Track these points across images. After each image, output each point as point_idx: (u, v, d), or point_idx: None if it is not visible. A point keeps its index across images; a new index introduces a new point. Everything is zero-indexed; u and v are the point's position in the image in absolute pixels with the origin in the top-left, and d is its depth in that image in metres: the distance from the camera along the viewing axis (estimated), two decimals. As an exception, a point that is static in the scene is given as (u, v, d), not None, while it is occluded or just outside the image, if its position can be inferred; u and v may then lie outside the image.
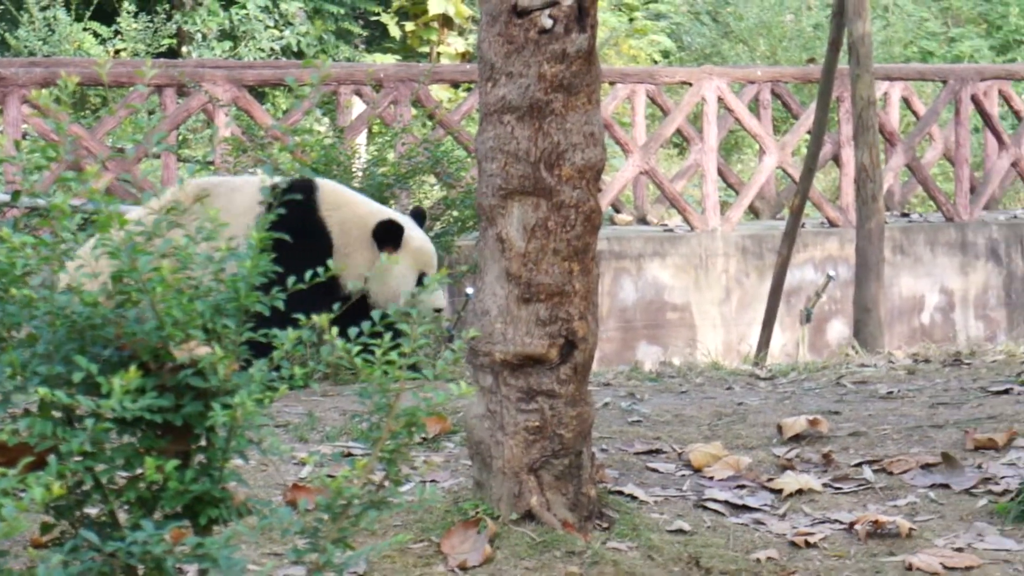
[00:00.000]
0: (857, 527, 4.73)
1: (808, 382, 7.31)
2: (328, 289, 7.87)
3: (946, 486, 5.17)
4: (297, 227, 7.68)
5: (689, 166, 14.85)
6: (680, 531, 4.62)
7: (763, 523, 4.80)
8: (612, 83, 14.83)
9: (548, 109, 4.42)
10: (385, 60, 20.70)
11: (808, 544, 4.62)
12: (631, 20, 22.25)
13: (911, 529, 4.71)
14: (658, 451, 5.51)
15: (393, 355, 3.32)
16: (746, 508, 4.92)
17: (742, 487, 5.11)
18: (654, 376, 7.67)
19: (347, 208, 7.79)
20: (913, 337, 14.34)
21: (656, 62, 21.43)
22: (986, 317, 15.15)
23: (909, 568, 4.44)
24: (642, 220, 15.27)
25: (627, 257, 13.66)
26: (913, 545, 4.63)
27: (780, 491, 5.06)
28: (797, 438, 5.68)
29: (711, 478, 5.20)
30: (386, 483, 3.37)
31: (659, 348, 13.62)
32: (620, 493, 4.88)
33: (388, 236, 7.70)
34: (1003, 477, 5.20)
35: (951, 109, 15.89)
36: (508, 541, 4.35)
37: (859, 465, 5.37)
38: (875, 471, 5.31)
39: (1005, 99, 16.86)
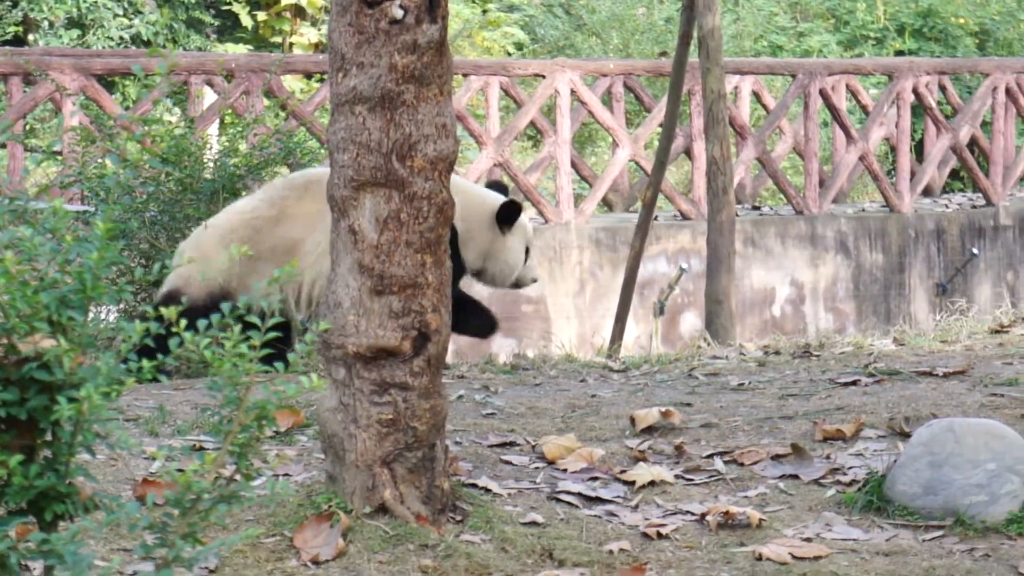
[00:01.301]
0: (708, 518, 4.76)
1: (661, 374, 7.35)
2: (458, 270, 8.16)
3: (795, 477, 5.22)
4: None
5: (543, 158, 14.89)
6: (533, 523, 4.62)
7: (616, 515, 4.81)
8: (465, 75, 14.81)
9: (400, 100, 4.40)
10: (237, 50, 20.51)
11: (660, 535, 4.64)
12: (484, 12, 22.26)
13: (761, 519, 4.75)
14: (512, 444, 5.51)
15: (243, 348, 3.28)
16: (599, 500, 4.94)
17: (595, 479, 5.13)
18: (508, 369, 7.67)
19: (462, 196, 7.83)
20: (764, 329, 14.50)
21: (510, 54, 21.45)
22: (835, 309, 15.36)
23: (759, 558, 4.48)
24: (496, 212, 15.28)
25: (481, 249, 13.65)
26: (763, 535, 4.67)
27: (633, 483, 5.09)
28: (650, 430, 5.70)
29: (564, 470, 5.21)
30: (237, 477, 3.33)
31: (514, 341, 13.64)
32: (474, 486, 4.87)
33: (510, 216, 8.14)
34: (851, 467, 5.27)
35: (800, 103, 16.08)
36: (361, 535, 4.32)
37: (711, 456, 5.41)
38: (726, 462, 5.35)
39: (853, 93, 17.10)
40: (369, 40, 4.39)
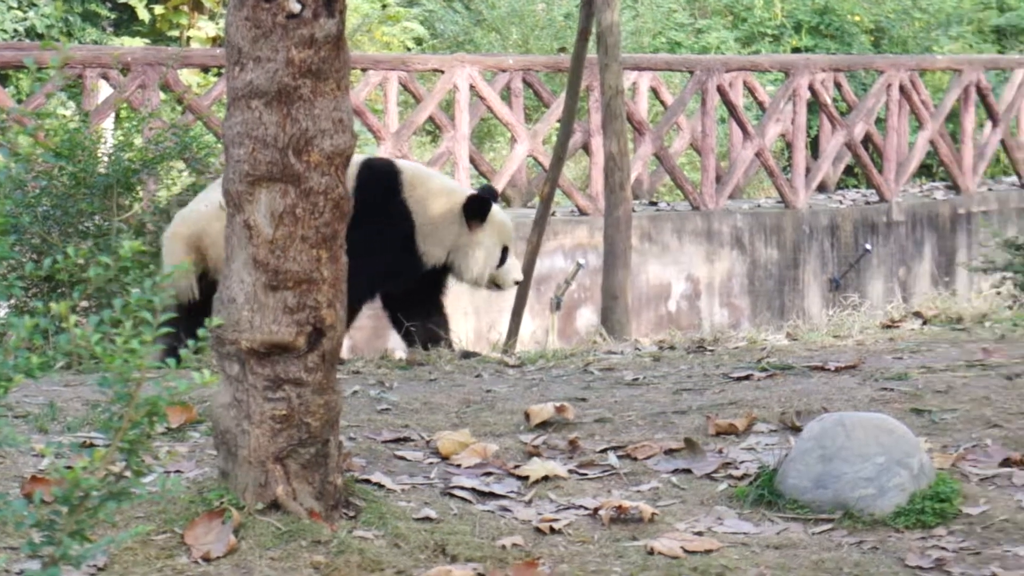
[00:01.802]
0: (601, 512, 4.79)
1: (556, 369, 7.38)
2: (413, 264, 8.11)
3: (688, 471, 5.26)
4: (381, 209, 7.95)
5: (441, 153, 14.89)
6: (427, 519, 4.63)
7: (509, 510, 4.83)
8: (364, 69, 14.78)
9: (296, 95, 4.38)
10: (133, 43, 20.33)
11: (553, 530, 4.66)
12: (384, 7, 22.21)
13: (653, 514, 4.78)
14: (406, 439, 5.52)
15: (134, 343, 3.26)
16: (493, 495, 4.95)
17: (489, 474, 5.14)
18: (404, 364, 7.67)
19: (424, 188, 8.16)
20: (660, 324, 14.58)
21: (409, 49, 21.42)
22: (730, 304, 15.47)
23: (651, 552, 4.51)
24: (394, 207, 15.25)
25: (379, 244, 13.62)
26: (655, 529, 4.70)
27: (526, 478, 5.10)
28: (544, 425, 5.73)
29: (458, 466, 5.21)
30: (127, 474, 3.32)
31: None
32: (367, 482, 4.87)
33: (477, 211, 8.16)
34: (743, 462, 5.32)
35: (698, 99, 16.18)
36: (253, 531, 4.31)
37: (604, 451, 5.44)
38: (620, 457, 5.38)
39: (750, 90, 17.24)
40: (266, 34, 4.37)
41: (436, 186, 8.29)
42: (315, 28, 4.38)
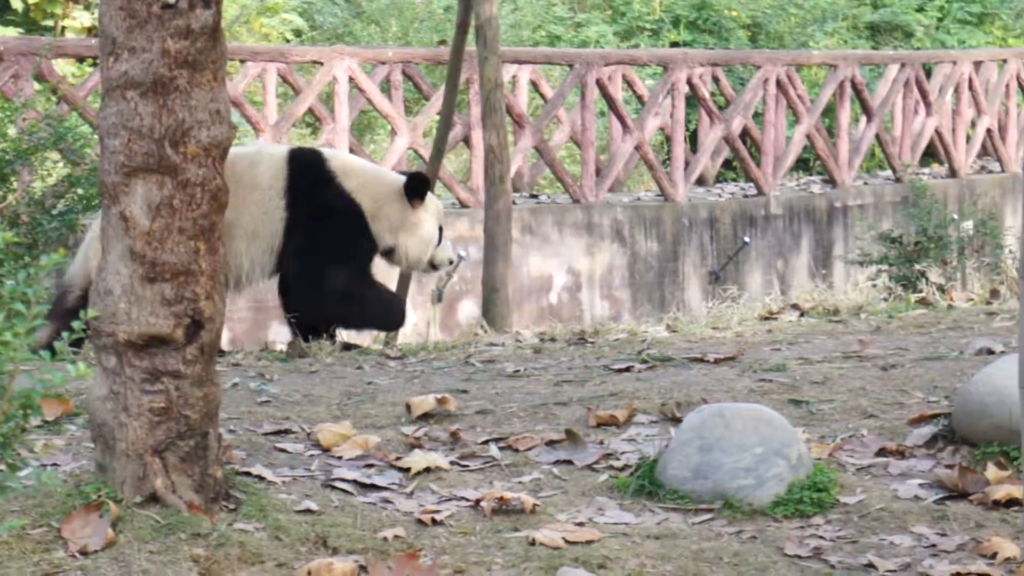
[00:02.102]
0: (483, 504, 4.79)
1: (437, 361, 7.37)
2: (370, 247, 8.21)
3: (569, 462, 5.27)
4: (326, 201, 7.95)
5: (321, 145, 14.80)
6: (308, 511, 4.61)
7: (391, 501, 4.81)
8: (243, 61, 14.68)
9: (172, 86, 4.34)
10: (7, 33, 20.04)
11: (435, 521, 4.66)
12: (263, -2, 22.05)
13: (535, 505, 4.79)
14: (287, 431, 5.49)
15: (7, 335, 3.21)
16: (374, 487, 4.93)
17: (370, 466, 5.12)
18: (284, 356, 7.63)
19: (358, 173, 8.28)
20: (541, 316, 14.61)
21: (288, 41, 21.29)
22: (611, 296, 15.54)
23: (532, 543, 4.52)
24: (273, 199, 15.15)
25: (258, 237, 13.53)
26: (537, 520, 4.71)
27: (408, 469, 5.09)
28: (425, 417, 5.72)
29: (340, 457, 5.20)
30: (1, 467, 3.27)
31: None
32: (248, 474, 4.84)
33: (418, 188, 8.27)
34: (623, 453, 5.34)
35: (578, 93, 16.23)
36: (132, 524, 4.27)
37: (486, 442, 5.44)
38: (501, 448, 5.39)
39: (629, 84, 17.31)
40: (141, 24, 4.33)
41: (369, 170, 8.41)
42: (191, 19, 4.34)
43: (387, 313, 8.24)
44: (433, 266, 8.49)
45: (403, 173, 8.71)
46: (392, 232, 8.25)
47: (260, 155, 8.32)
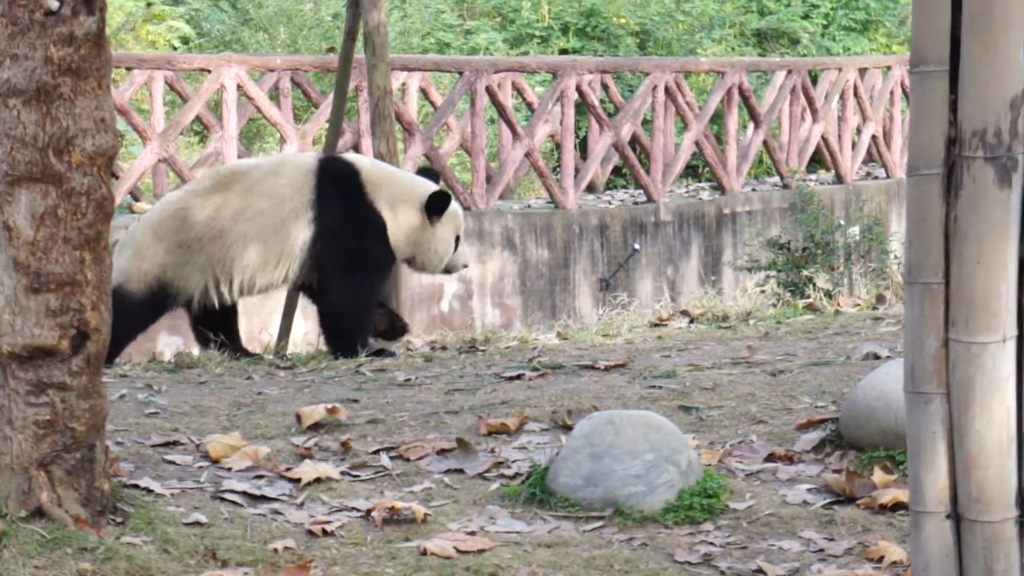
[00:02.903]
0: (374, 514, 4.77)
1: (328, 371, 7.34)
2: (388, 260, 8.34)
3: (460, 471, 5.26)
4: (354, 214, 7.94)
5: (209, 154, 14.72)
6: (197, 523, 4.56)
7: (281, 513, 4.78)
8: (129, 68, 14.55)
9: (56, 93, 4.29)
10: None
11: (325, 532, 4.63)
12: (149, 5, 21.86)
13: (426, 514, 4.78)
14: (175, 443, 5.43)
15: None
16: (264, 498, 4.90)
17: (260, 477, 5.09)
18: (172, 367, 7.56)
19: (390, 186, 8.34)
20: (432, 325, 14.59)
21: (175, 48, 21.14)
22: (502, 304, 15.55)
23: (424, 553, 4.50)
24: (161, 208, 15.03)
25: (146, 246, 13.40)
26: (428, 530, 4.69)
27: (298, 480, 5.06)
28: (316, 427, 5.69)
29: (229, 469, 5.15)
30: None
31: (180, 338, 13.43)
32: (136, 487, 4.79)
33: (439, 206, 8.36)
34: (514, 461, 5.34)
35: (467, 100, 16.23)
36: (16, 539, 4.20)
37: (377, 452, 5.42)
38: (392, 458, 5.37)
39: (518, 91, 17.34)
40: (23, 31, 4.27)
41: (398, 182, 8.44)
42: (75, 26, 4.29)
43: (357, 345, 8.17)
44: (447, 271, 8.60)
45: (425, 173, 8.91)
46: (410, 244, 8.37)
47: (283, 164, 8.40)
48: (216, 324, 8.37)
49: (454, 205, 8.51)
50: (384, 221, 8.26)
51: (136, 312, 8.15)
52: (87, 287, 4.36)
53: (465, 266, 8.73)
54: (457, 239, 8.51)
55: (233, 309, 8.51)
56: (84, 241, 4.35)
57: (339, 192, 8.21)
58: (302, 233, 8.11)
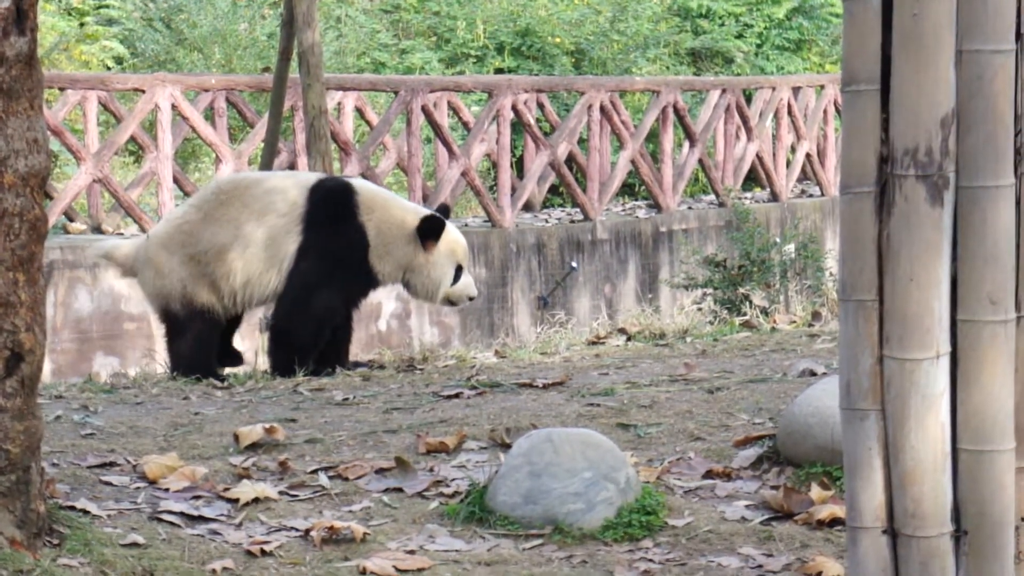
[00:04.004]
0: (313, 533, 4.76)
1: (266, 390, 7.32)
2: (364, 286, 8.27)
3: (399, 490, 5.26)
4: (339, 230, 7.89)
5: (144, 174, 14.67)
6: (135, 544, 4.53)
7: (219, 533, 4.76)
8: (62, 89, 14.49)
9: (-11, 114, 4.26)
10: None
11: (264, 552, 4.61)
12: (82, 25, 21.77)
13: (365, 533, 4.77)
14: (112, 464, 5.40)
15: None
16: (202, 519, 4.87)
17: (198, 497, 5.06)
18: (109, 388, 7.52)
19: (382, 210, 8.28)
20: (370, 343, 14.57)
21: (109, 68, 21.04)
22: (440, 323, 15.54)
23: (363, 572, 4.49)
24: (97, 229, 14.97)
25: (82, 267, 13.35)
26: (367, 549, 4.68)
27: (237, 500, 5.04)
28: (254, 446, 5.67)
29: (167, 489, 5.13)
30: None
31: (116, 359, 13.37)
32: (72, 508, 4.75)
33: (431, 231, 8.26)
34: (453, 479, 5.34)
35: (403, 119, 16.23)
36: (-49, 563, 4.17)
37: (315, 472, 5.41)
38: (331, 477, 5.36)
39: (454, 110, 17.36)
40: (-45, 51, 4.24)
41: (392, 207, 8.36)
42: (5, 46, 4.26)
43: (299, 359, 8.12)
44: (450, 302, 8.49)
45: (440, 210, 8.71)
46: (400, 268, 8.31)
47: (284, 182, 8.40)
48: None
49: (455, 235, 8.46)
50: (367, 242, 8.20)
51: (197, 330, 8.28)
52: (21, 308, 4.33)
53: (471, 298, 8.57)
54: (459, 270, 8.42)
55: (235, 322, 8.55)
56: (17, 262, 4.32)
57: (329, 209, 8.22)
58: (290, 247, 8.15)
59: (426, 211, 8.45)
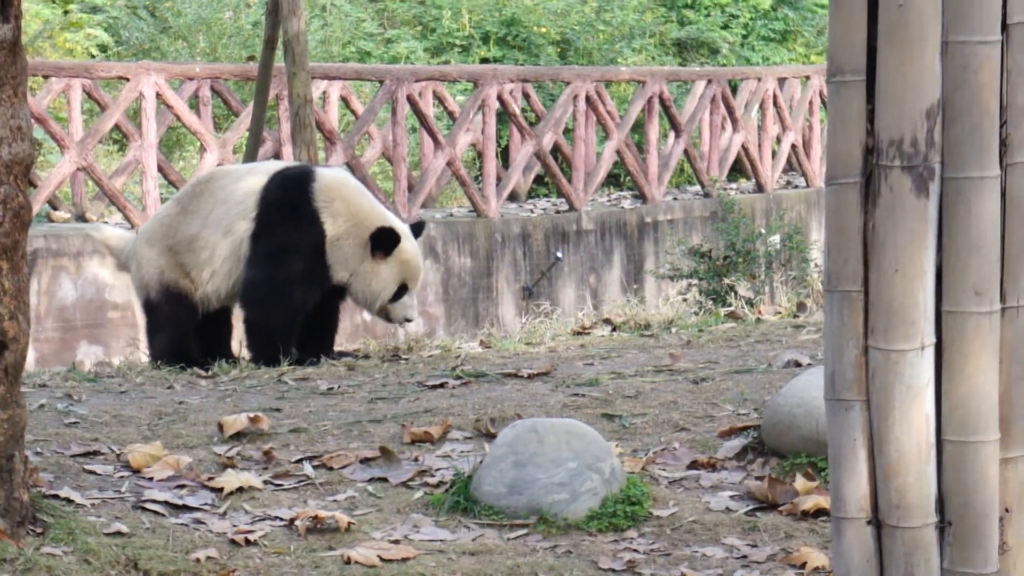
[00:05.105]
0: (297, 523, 4.76)
1: (250, 380, 7.31)
2: (320, 276, 8.10)
3: (384, 479, 5.26)
4: (292, 216, 7.84)
5: (129, 162, 14.63)
6: (118, 533, 4.53)
7: (203, 522, 4.76)
8: (46, 76, 14.44)
9: (-27, 101, 4.25)
10: None
11: (248, 542, 4.61)
12: (66, 13, 21.70)
13: (350, 523, 4.77)
14: (96, 453, 5.39)
15: None
16: (186, 508, 4.87)
17: (182, 487, 5.06)
18: (93, 376, 7.50)
19: (345, 203, 8.13)
20: (355, 333, 14.56)
21: (93, 56, 20.98)
22: (425, 313, 15.54)
23: (348, 562, 4.49)
24: (81, 217, 14.94)
25: (66, 255, 13.33)
26: (352, 539, 4.68)
27: (221, 489, 5.04)
28: (238, 436, 5.66)
29: (151, 479, 5.12)
30: None
31: (100, 347, 13.35)
32: (56, 497, 4.75)
33: (383, 243, 8.08)
34: (438, 469, 5.34)
35: (388, 109, 16.21)
36: (-65, 552, 4.16)
37: (300, 461, 5.41)
38: (315, 467, 5.35)
39: (440, 100, 17.34)
40: (-61, 38, 4.23)
41: (356, 203, 8.20)
42: (-10, 34, 4.25)
43: (270, 348, 8.06)
44: (388, 318, 8.35)
45: (415, 228, 8.57)
46: (345, 269, 8.13)
47: (253, 171, 8.39)
48: (207, 331, 8.40)
49: (410, 255, 8.25)
50: (323, 231, 8.08)
51: (174, 315, 8.29)
52: (4, 296, 4.32)
53: (407, 320, 8.39)
54: (404, 289, 8.24)
55: (224, 316, 8.51)
56: (1, 250, 4.31)
57: (282, 194, 8.12)
58: (244, 233, 8.10)
59: (390, 222, 8.24)
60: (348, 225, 8.10)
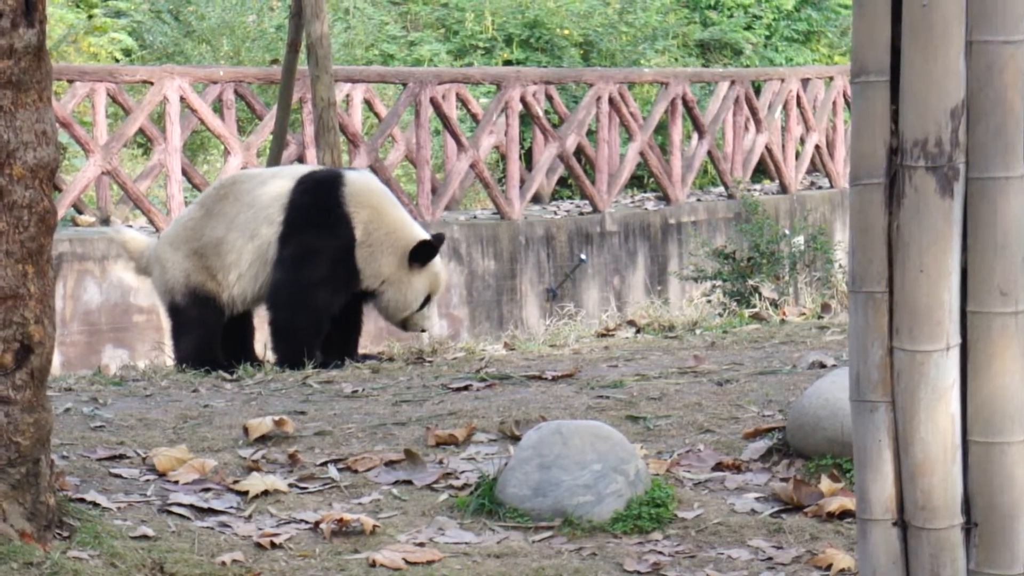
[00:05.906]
0: (322, 526, 4.76)
1: (275, 383, 7.31)
2: (347, 280, 8.07)
3: (409, 482, 5.26)
4: (321, 219, 7.86)
5: (153, 166, 14.66)
6: (144, 537, 4.54)
7: (229, 525, 4.76)
8: (71, 81, 14.47)
9: (-3, 106, 4.26)
10: None
11: (274, 545, 4.62)
12: (90, 17, 21.77)
13: (375, 526, 4.77)
14: (122, 456, 5.41)
15: None
16: (212, 511, 4.88)
17: (208, 490, 5.07)
18: (118, 380, 7.52)
19: (375, 210, 8.16)
20: (379, 336, 14.57)
21: (117, 60, 21.04)
22: (449, 315, 15.54)
23: (373, 565, 4.50)
24: (105, 221, 14.97)
25: (91, 259, 13.36)
26: (377, 542, 4.69)
27: (246, 493, 5.04)
28: (263, 439, 5.67)
29: (176, 482, 5.13)
30: None
31: (126, 351, 13.38)
32: (82, 500, 4.76)
33: (422, 255, 8.17)
34: (463, 472, 5.34)
35: (412, 111, 16.22)
36: (-39, 556, 4.17)
37: (324, 464, 5.41)
38: (340, 469, 5.36)
39: (463, 102, 17.35)
40: (-36, 44, 4.24)
41: (387, 213, 8.23)
42: (14, 38, 4.26)
43: (295, 350, 8.07)
44: (406, 327, 8.40)
45: (435, 237, 8.53)
46: (377, 278, 8.16)
47: (277, 175, 8.41)
48: (231, 334, 8.41)
49: (440, 267, 8.37)
50: (353, 236, 8.08)
51: (201, 318, 8.31)
52: (30, 301, 4.34)
53: (424, 330, 8.45)
54: (428, 299, 8.32)
55: (247, 319, 8.53)
56: (26, 255, 4.32)
57: (312, 197, 8.13)
58: (272, 236, 8.11)
59: (423, 234, 8.30)
60: (380, 233, 8.11)
